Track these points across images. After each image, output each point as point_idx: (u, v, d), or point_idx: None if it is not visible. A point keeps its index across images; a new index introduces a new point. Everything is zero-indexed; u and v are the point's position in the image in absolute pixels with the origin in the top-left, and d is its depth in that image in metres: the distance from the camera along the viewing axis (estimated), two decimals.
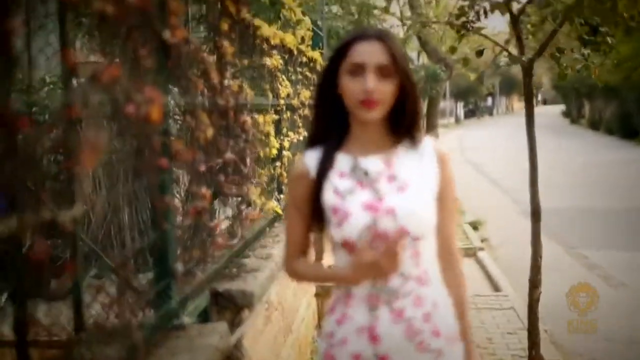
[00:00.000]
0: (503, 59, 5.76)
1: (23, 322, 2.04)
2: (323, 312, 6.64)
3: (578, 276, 10.87)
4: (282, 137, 6.29)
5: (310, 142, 2.88)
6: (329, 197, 2.78)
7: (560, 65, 5.41)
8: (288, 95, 6.49)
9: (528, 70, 5.32)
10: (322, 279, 2.97)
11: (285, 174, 6.40)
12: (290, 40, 6.47)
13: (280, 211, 5.89)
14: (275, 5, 6.31)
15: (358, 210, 2.74)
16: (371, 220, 2.72)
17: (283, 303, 5.51)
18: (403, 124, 2.81)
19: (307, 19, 7.48)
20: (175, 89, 3.30)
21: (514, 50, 5.62)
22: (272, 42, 5.70)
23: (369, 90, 2.66)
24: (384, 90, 2.70)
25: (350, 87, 2.71)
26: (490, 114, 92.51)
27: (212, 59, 3.85)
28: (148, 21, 2.81)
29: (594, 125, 51.79)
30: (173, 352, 2.91)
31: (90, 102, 2.13)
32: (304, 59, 7.65)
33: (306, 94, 7.64)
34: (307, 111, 7.65)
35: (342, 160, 2.83)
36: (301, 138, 7.31)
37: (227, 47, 4.07)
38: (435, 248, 2.86)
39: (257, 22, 5.19)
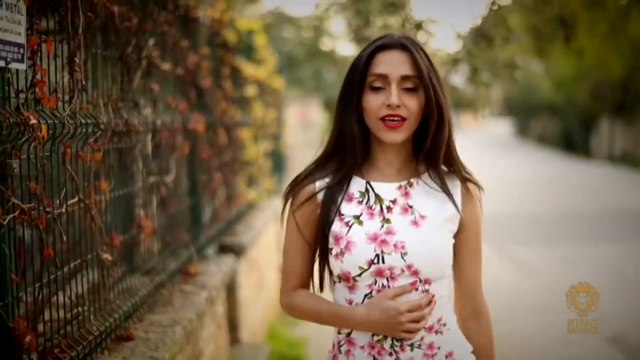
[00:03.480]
0: None
1: None
2: None
3: (500, 267, 13.12)
4: (257, 146, 8.51)
5: (324, 160, 2.61)
6: (332, 223, 2.52)
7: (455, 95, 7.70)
8: (260, 115, 8.73)
9: None
10: (324, 315, 2.58)
11: (258, 173, 8.65)
12: (262, 74, 8.72)
13: (256, 200, 8.12)
14: (251, 49, 8.56)
15: (362, 241, 2.48)
16: (375, 254, 2.47)
17: (259, 263, 7.72)
18: (428, 148, 2.52)
19: (272, 58, 9.79)
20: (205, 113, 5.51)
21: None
22: (251, 78, 7.94)
23: (393, 103, 2.42)
24: (409, 106, 2.44)
25: (372, 102, 2.46)
26: None
27: (219, 93, 6.08)
28: (194, 78, 5.03)
29: (541, 139, 54.25)
30: (207, 264, 5.12)
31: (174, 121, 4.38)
32: (271, 89, 9.99)
33: (272, 115, 9.93)
34: (274, 128, 9.98)
35: (354, 184, 2.56)
36: (270, 148, 9.63)
37: (228, 85, 6.31)
38: (453, 292, 2.66)
39: (241, 64, 7.42)
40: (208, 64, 5.45)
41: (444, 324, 2.55)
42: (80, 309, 3.09)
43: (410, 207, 2.52)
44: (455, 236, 2.58)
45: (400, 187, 2.54)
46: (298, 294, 2.63)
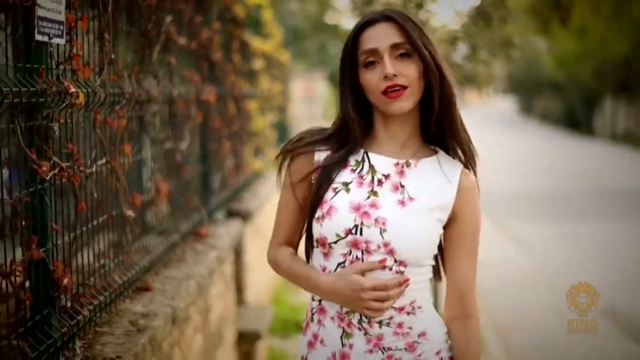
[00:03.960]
0: None
1: None
2: None
3: (497, 240, 13.48)
4: (263, 118, 8.85)
5: (327, 137, 2.60)
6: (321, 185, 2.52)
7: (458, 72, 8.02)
8: (267, 88, 9.06)
9: None
10: (299, 276, 2.59)
11: (264, 144, 8.99)
12: (268, 48, 9.04)
13: (262, 169, 8.46)
14: (258, 23, 8.88)
15: (344, 208, 2.47)
16: (355, 225, 2.46)
17: (264, 230, 8.07)
18: (437, 111, 2.49)
19: (278, 32, 10.11)
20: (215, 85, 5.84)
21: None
22: (258, 52, 8.26)
23: (389, 73, 2.39)
24: (406, 73, 2.41)
25: (369, 79, 2.44)
26: None
27: (229, 66, 6.41)
28: (206, 52, 5.36)
29: (545, 117, 54.53)
30: (216, 227, 5.47)
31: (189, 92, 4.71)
32: (277, 62, 10.32)
33: (278, 88, 10.26)
34: (280, 100, 10.32)
35: (353, 154, 2.56)
36: (275, 120, 9.96)
37: (237, 58, 6.64)
38: (430, 279, 2.58)
39: (250, 38, 7.74)
40: (219, 38, 5.78)
41: (419, 307, 2.52)
42: (103, 262, 3.42)
43: (402, 186, 2.49)
44: (448, 227, 2.55)
45: (397, 164, 2.51)
46: (281, 251, 2.66)
